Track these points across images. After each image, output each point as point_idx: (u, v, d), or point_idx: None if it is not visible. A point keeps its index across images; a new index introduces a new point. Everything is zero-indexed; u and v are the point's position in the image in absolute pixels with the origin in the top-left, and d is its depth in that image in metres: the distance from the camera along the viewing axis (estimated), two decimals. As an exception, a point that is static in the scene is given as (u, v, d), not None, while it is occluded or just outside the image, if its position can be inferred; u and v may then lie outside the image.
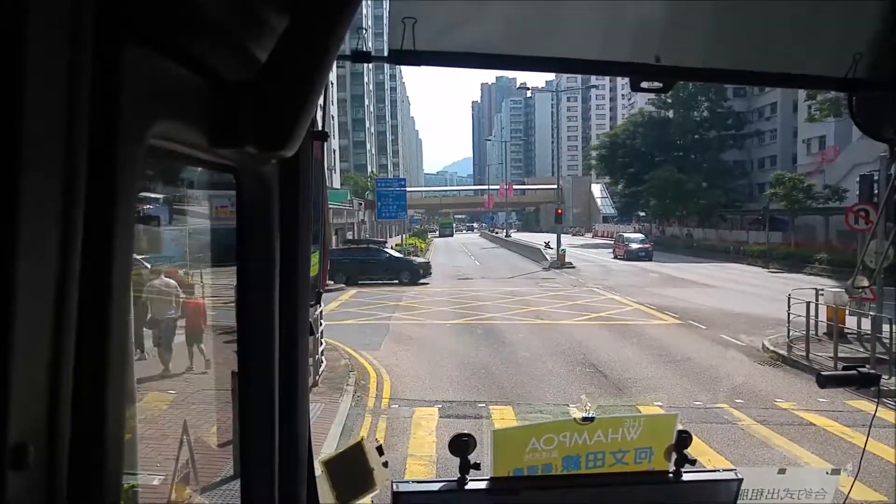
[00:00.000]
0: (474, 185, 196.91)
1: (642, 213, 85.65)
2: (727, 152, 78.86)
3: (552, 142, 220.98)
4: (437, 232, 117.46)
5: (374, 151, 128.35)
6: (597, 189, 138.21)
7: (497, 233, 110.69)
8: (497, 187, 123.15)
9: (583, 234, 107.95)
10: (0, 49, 0.64)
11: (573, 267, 43.79)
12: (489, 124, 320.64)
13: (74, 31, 0.72)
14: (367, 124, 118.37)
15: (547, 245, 53.13)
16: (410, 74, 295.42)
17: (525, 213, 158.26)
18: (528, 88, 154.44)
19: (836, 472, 2.96)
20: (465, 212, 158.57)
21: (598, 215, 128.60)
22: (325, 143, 2.03)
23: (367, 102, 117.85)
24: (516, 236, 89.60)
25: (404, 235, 65.78)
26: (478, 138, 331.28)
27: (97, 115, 0.77)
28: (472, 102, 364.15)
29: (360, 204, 67.04)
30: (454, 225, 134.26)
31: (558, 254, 45.53)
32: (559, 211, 52.08)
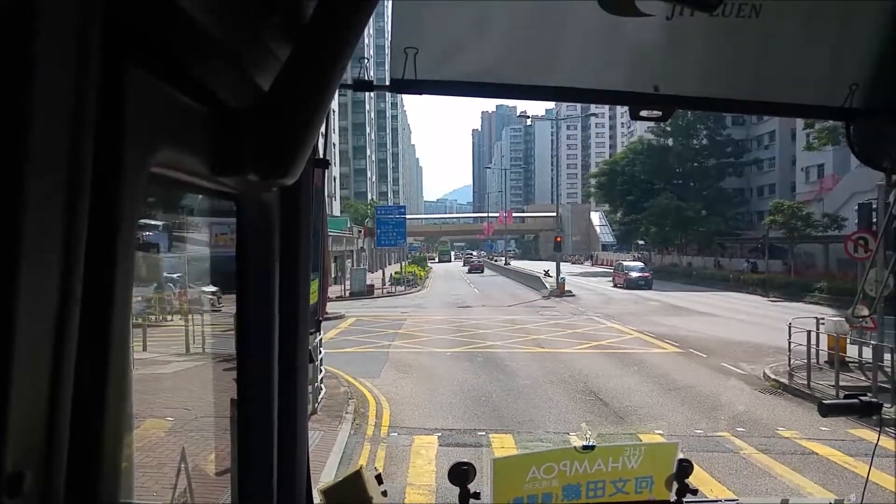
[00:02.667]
0: (474, 212, 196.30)
1: (641, 241, 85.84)
2: (726, 180, 79.13)
3: (552, 170, 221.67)
4: (437, 259, 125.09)
5: (374, 179, 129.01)
6: (596, 217, 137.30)
7: (496, 260, 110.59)
8: (496, 215, 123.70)
9: (582, 262, 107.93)
10: (5, 74, 0.65)
11: (573, 295, 43.77)
12: (489, 152, 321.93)
13: (79, 57, 0.73)
14: (368, 152, 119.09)
15: (546, 273, 53.15)
16: (411, 103, 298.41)
17: (524, 240, 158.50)
18: (528, 117, 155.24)
19: (839, 502, 2.98)
20: (464, 239, 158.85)
21: (598, 243, 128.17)
22: (326, 171, 2.06)
23: (368, 130, 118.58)
24: (515, 264, 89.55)
25: (403, 263, 65.72)
26: (478, 166, 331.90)
27: (101, 142, 0.77)
28: (473, 130, 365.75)
29: (360, 231, 67.11)
30: (452, 252, 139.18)
31: (558, 282, 45.58)
32: (558, 239, 52.27)
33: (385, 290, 49.51)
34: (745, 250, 62.89)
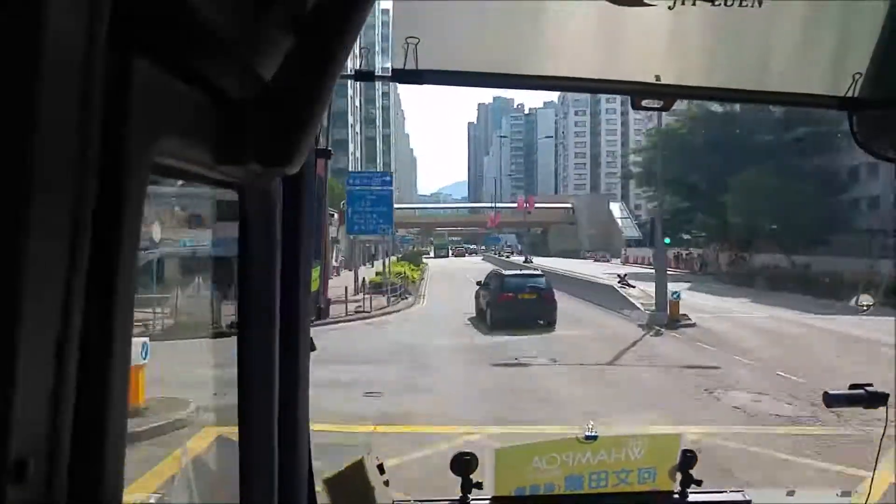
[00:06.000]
0: (460, 216, 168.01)
1: (686, 236, 66.12)
2: (816, 157, 58.35)
3: (555, 159, 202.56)
4: (433, 253, 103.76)
5: (360, 158, 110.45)
6: (616, 208, 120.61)
7: (508, 257, 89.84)
8: (513, 205, 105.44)
9: (608, 260, 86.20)
10: (10, 64, 0.66)
11: (692, 324, 24.15)
12: (486, 144, 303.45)
13: (84, 47, 0.73)
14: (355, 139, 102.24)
15: (623, 281, 32.92)
16: (406, 97, 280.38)
17: (529, 235, 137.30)
18: (527, 111, 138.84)
19: (846, 494, 3.12)
20: (462, 233, 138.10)
21: (620, 238, 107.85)
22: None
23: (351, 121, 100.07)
24: (543, 263, 66.28)
25: (387, 260, 44.19)
26: (474, 159, 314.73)
27: (105, 132, 0.78)
28: (468, 123, 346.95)
29: (332, 215, 46.65)
30: (450, 248, 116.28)
31: (664, 301, 25.51)
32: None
33: (354, 308, 28.99)
34: (877, 247, 43.21)
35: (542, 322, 23.99)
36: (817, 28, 2.00)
